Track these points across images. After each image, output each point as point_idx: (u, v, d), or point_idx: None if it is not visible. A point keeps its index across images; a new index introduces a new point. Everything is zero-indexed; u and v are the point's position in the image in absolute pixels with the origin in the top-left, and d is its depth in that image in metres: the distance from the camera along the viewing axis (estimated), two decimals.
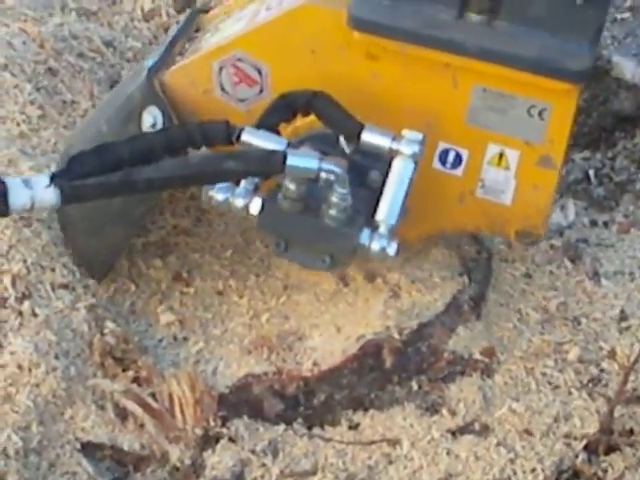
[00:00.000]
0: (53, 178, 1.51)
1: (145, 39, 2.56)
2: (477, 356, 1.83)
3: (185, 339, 1.87)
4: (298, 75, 1.72)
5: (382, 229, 1.57)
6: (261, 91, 1.74)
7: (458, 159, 1.74)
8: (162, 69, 1.78)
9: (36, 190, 1.50)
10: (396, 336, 1.78)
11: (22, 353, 1.69)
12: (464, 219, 1.82)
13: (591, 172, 2.42)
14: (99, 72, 2.38)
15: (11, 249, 1.81)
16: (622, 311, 1.98)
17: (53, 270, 1.83)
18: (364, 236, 1.57)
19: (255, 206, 1.61)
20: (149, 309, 1.94)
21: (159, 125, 1.72)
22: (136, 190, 1.59)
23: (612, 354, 1.86)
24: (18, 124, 2.10)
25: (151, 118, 1.73)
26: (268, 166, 1.54)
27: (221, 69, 1.74)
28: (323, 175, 1.48)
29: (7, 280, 1.77)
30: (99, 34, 2.46)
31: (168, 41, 1.90)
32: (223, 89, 1.76)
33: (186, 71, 1.78)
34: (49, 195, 1.51)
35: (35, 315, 1.74)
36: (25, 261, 1.80)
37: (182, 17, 2.17)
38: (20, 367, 1.68)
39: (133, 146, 1.57)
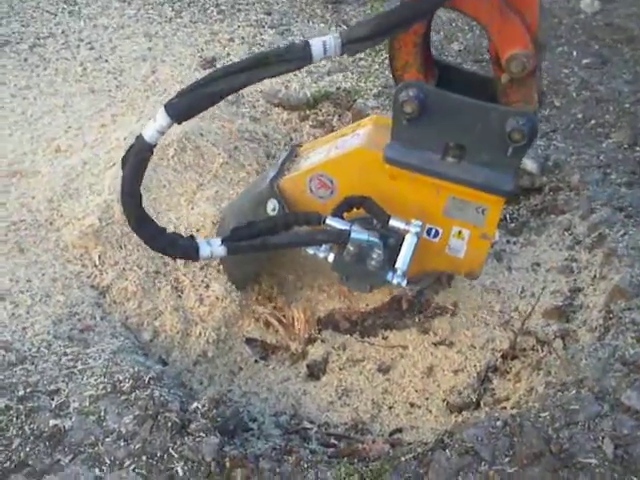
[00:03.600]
0: (223, 241, 2.50)
1: (283, 133, 3.99)
2: (449, 305, 3.34)
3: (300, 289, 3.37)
4: (353, 185, 2.76)
5: (399, 272, 2.64)
6: (332, 193, 2.84)
7: (436, 233, 2.79)
8: (278, 178, 2.89)
9: (214, 247, 2.50)
10: (409, 293, 3.31)
11: (218, 291, 3.18)
12: (438, 264, 2.90)
13: (507, 216, 3.86)
14: (259, 150, 3.80)
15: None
16: (522, 288, 3.43)
17: None
18: (389, 276, 2.66)
19: (331, 257, 2.73)
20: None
21: (277, 210, 2.83)
22: (268, 249, 2.68)
23: (516, 309, 3.32)
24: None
25: (272, 205, 2.85)
26: (341, 238, 2.61)
27: (311, 180, 2.84)
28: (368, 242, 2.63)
29: None
30: (261, 129, 3.90)
31: (280, 162, 2.99)
32: (311, 190, 2.85)
33: (292, 180, 2.88)
34: (221, 250, 2.50)
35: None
36: None
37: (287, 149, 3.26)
38: (217, 298, 3.18)
39: (267, 224, 2.61)
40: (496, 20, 2.41)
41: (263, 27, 4.91)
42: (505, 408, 2.92)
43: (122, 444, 2.43)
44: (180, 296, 3.16)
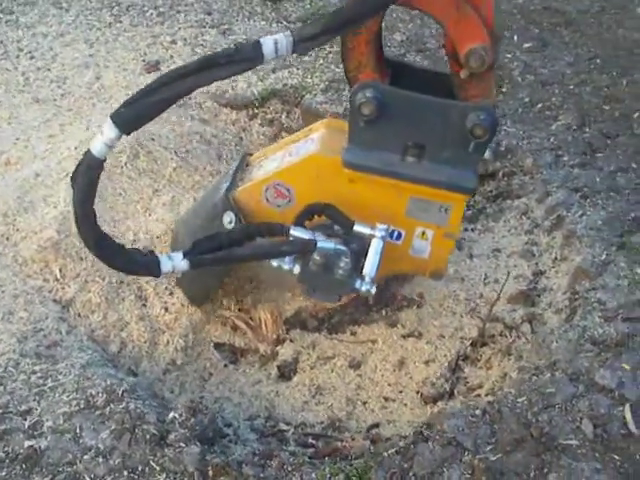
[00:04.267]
0: (185, 255, 2.41)
1: (233, 133, 3.98)
2: (415, 297, 3.35)
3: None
4: (311, 192, 2.69)
5: (367, 278, 2.57)
6: (289, 201, 2.77)
7: (399, 235, 2.74)
8: (232, 189, 2.79)
9: (175, 261, 2.40)
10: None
11: (183, 298, 3.15)
12: (402, 266, 2.90)
13: None
14: (211, 152, 3.80)
15: None
16: (485, 274, 3.45)
17: None
18: (358, 283, 2.60)
19: (297, 268, 2.65)
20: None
21: (233, 222, 2.73)
22: (233, 261, 2.69)
23: (481, 296, 3.33)
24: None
25: (228, 218, 2.75)
26: (307, 248, 2.56)
27: (267, 189, 2.76)
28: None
29: None
30: (210, 131, 3.87)
31: (232, 172, 2.89)
32: (267, 200, 2.78)
33: (247, 191, 2.80)
34: (183, 264, 2.40)
35: None
36: None
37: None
38: (182, 305, 3.15)
39: (228, 236, 2.52)
40: (452, 15, 2.38)
41: (204, 27, 4.86)
42: (479, 396, 2.94)
43: (101, 460, 2.38)
44: (145, 305, 3.12)
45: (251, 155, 3.09)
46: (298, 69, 4.43)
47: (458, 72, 2.49)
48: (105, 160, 2.22)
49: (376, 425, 2.93)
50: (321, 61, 4.53)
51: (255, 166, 2.95)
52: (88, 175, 2.21)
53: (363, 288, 2.62)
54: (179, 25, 4.89)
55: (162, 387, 2.99)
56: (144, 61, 4.46)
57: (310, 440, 2.82)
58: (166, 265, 2.41)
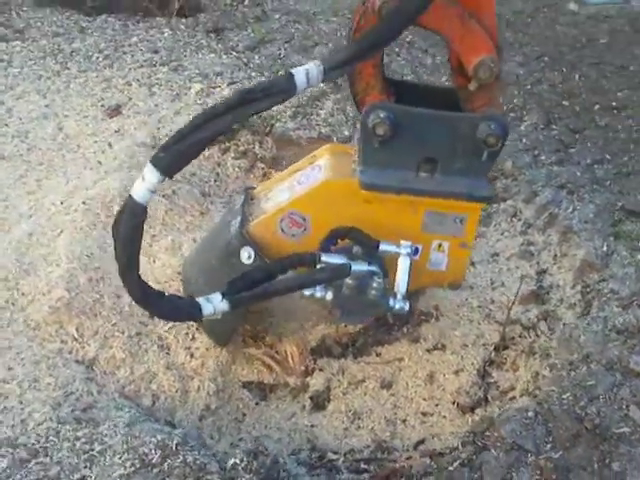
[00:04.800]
0: (223, 295, 2.39)
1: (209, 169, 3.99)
2: (430, 310, 3.37)
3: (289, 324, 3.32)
4: (326, 218, 2.69)
5: (399, 296, 2.59)
6: (305, 230, 2.75)
7: (416, 250, 2.73)
8: (245, 224, 2.77)
9: (215, 303, 2.38)
10: None
11: (206, 341, 3.09)
12: (421, 281, 2.85)
13: None
14: (194, 191, 3.77)
15: None
16: (490, 279, 3.52)
17: None
18: (392, 302, 2.60)
19: (329, 295, 2.64)
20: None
21: (252, 257, 2.71)
22: (271, 296, 2.56)
23: (492, 301, 3.40)
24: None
25: (247, 253, 2.72)
26: (342, 273, 2.54)
27: (282, 220, 2.73)
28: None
29: None
30: (187, 169, 3.67)
31: (240, 207, 2.87)
32: (283, 231, 2.75)
33: (262, 224, 2.77)
34: (223, 305, 2.39)
35: None
36: None
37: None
38: (206, 349, 3.10)
39: (262, 272, 2.54)
40: (458, 30, 2.43)
41: (155, 66, 4.79)
42: (514, 398, 2.98)
43: None
44: (169, 353, 3.04)
45: (254, 189, 3.07)
46: None
47: (463, 85, 2.54)
48: (147, 206, 2.18)
49: (422, 441, 2.94)
50: None
51: (262, 199, 2.94)
52: (132, 223, 2.17)
53: (397, 306, 2.63)
54: (128, 66, 4.80)
55: (201, 434, 2.92)
56: (103, 106, 4.36)
57: (362, 465, 2.80)
58: (207, 308, 2.39)
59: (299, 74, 2.14)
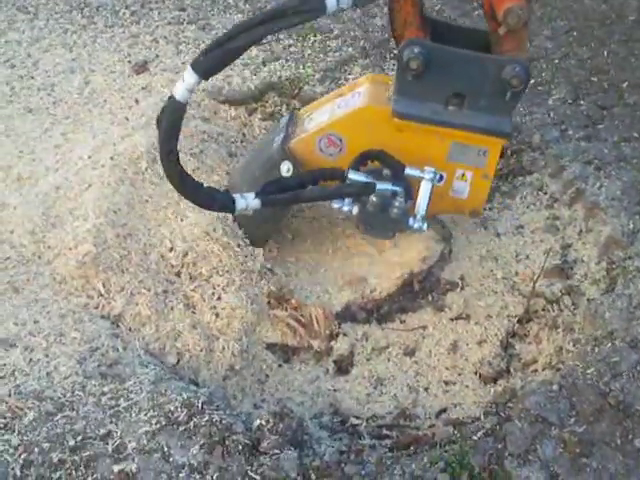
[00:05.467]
0: (257, 195, 2.71)
1: (236, 130, 3.96)
2: (456, 279, 3.38)
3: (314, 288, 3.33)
4: (361, 141, 2.93)
5: (418, 217, 2.84)
6: (340, 150, 3.01)
7: (441, 177, 2.97)
8: (286, 141, 3.04)
9: (248, 200, 2.70)
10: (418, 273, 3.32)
11: (232, 302, 3.09)
12: (444, 206, 3.10)
13: None
14: (221, 150, 3.72)
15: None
16: (515, 252, 3.51)
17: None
18: (411, 221, 2.87)
19: (355, 209, 2.90)
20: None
21: (291, 171, 2.99)
22: (300, 202, 3.02)
23: (516, 273, 3.39)
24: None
25: (285, 167, 3.00)
26: (367, 190, 2.82)
27: (320, 139, 3.00)
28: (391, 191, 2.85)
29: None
30: (215, 129, 3.84)
31: (284, 125, 3.15)
32: (321, 150, 3.02)
33: (302, 141, 3.03)
34: (256, 203, 2.71)
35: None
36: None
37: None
38: (232, 309, 3.09)
39: (295, 180, 2.87)
40: None
41: (182, 24, 4.75)
42: (536, 371, 2.99)
43: (198, 477, 2.34)
44: (194, 312, 3.05)
45: (299, 110, 3.35)
46: (288, 60, 4.38)
47: (495, 29, 2.72)
48: (187, 103, 2.47)
49: (444, 410, 2.96)
50: (309, 51, 4.49)
51: (305, 120, 3.16)
52: (173, 117, 2.46)
53: (415, 225, 2.88)
54: (156, 23, 4.76)
55: (226, 394, 2.93)
56: (130, 62, 4.33)
57: (384, 431, 2.82)
58: (240, 203, 2.69)
59: None
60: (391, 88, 2.94)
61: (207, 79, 2.43)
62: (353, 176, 2.84)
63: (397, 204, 2.87)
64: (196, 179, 2.74)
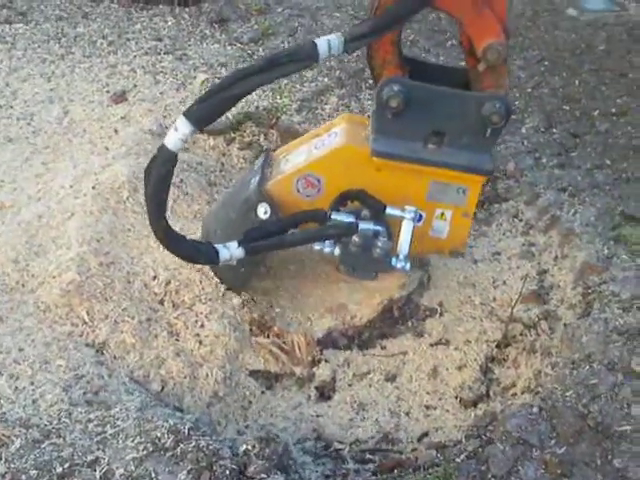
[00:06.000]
0: (239, 243, 2.69)
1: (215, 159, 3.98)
2: (435, 306, 3.43)
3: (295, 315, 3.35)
4: (339, 181, 2.89)
5: (401, 257, 2.80)
6: (318, 191, 2.94)
7: (420, 217, 2.89)
8: (263, 183, 2.96)
9: (231, 250, 2.68)
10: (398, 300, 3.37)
11: (215, 329, 3.12)
12: (423, 247, 3.02)
13: None
14: (201, 180, 3.78)
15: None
16: (492, 278, 3.57)
17: None
18: (394, 261, 2.83)
19: (337, 250, 2.91)
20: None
21: (268, 213, 2.92)
22: (284, 247, 2.88)
23: (494, 299, 3.45)
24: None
25: (263, 209, 2.92)
26: (350, 230, 2.81)
27: (298, 180, 2.93)
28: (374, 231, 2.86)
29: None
30: (194, 158, 3.88)
31: (260, 167, 3.07)
32: (298, 191, 2.95)
33: (279, 183, 2.97)
34: (239, 252, 2.68)
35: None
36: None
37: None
38: (215, 336, 3.11)
39: (277, 225, 2.84)
40: (469, 14, 2.62)
41: (159, 54, 4.81)
42: (515, 394, 3.04)
43: None
44: (178, 340, 3.07)
45: (274, 151, 3.27)
46: (265, 90, 4.44)
47: (473, 65, 2.75)
48: (177, 154, 2.41)
49: (426, 434, 2.99)
50: (285, 81, 4.55)
51: (281, 161, 3.11)
52: (164, 168, 2.40)
53: (398, 265, 2.83)
54: (133, 53, 4.81)
55: (212, 420, 2.94)
56: (108, 92, 4.37)
57: (367, 455, 2.85)
58: (224, 253, 2.64)
59: (322, 44, 2.38)
60: (368, 128, 2.93)
61: (201, 129, 2.42)
62: (336, 217, 2.83)
63: (380, 244, 2.86)
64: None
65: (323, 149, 2.95)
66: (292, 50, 2.40)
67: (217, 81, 2.41)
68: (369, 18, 2.54)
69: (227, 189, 3.52)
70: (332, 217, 2.83)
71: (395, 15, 2.43)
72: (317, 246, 2.90)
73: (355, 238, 2.85)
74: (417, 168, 2.84)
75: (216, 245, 2.65)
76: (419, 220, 2.92)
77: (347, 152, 2.90)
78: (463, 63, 2.89)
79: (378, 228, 2.86)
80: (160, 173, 2.39)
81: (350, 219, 2.83)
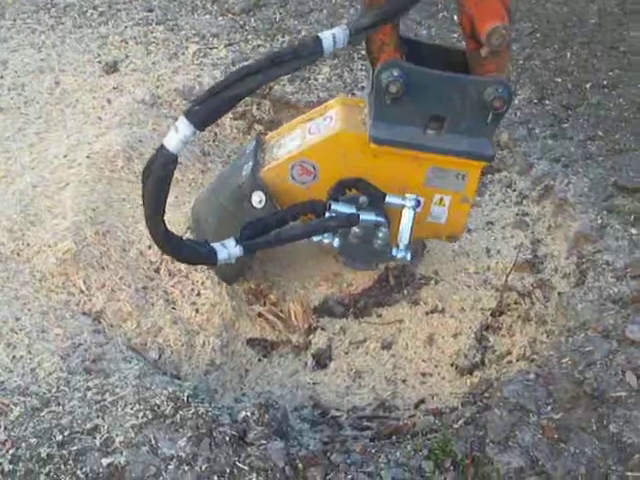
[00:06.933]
0: (237, 241, 2.55)
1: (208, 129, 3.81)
2: (430, 274, 3.45)
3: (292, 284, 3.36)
4: (336, 168, 2.81)
5: (402, 246, 2.75)
6: (314, 178, 2.86)
7: (419, 203, 2.78)
8: (257, 169, 2.87)
9: (230, 248, 2.54)
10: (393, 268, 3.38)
11: (211, 297, 3.13)
12: (421, 232, 2.97)
13: None
14: (195, 149, 3.75)
15: None
16: (486, 247, 3.59)
17: None
18: (395, 251, 2.79)
19: (337, 242, 2.85)
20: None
21: (264, 202, 2.82)
22: (284, 242, 2.71)
23: (488, 268, 3.47)
24: None
25: (258, 197, 2.83)
26: (351, 221, 2.70)
27: (293, 167, 2.83)
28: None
29: None
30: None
31: (252, 152, 2.97)
32: (293, 178, 2.86)
33: (273, 170, 2.88)
34: (238, 250, 2.55)
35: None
36: None
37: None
38: (212, 305, 3.12)
39: (275, 218, 2.69)
40: None
41: (150, 24, 4.77)
42: (510, 362, 3.07)
43: (187, 468, 2.34)
44: (174, 308, 3.07)
45: (265, 135, 3.16)
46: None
47: (474, 49, 2.62)
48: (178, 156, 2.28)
49: (422, 401, 3.01)
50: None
51: (274, 146, 3.01)
52: (164, 171, 2.27)
53: (399, 255, 2.79)
54: (124, 24, 4.78)
55: (210, 388, 2.96)
56: (100, 62, 4.34)
57: (365, 422, 2.87)
58: (222, 253, 2.53)
59: (326, 38, 2.23)
60: (364, 111, 2.86)
61: (203, 130, 2.26)
62: (336, 207, 2.75)
63: (380, 235, 2.82)
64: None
65: (318, 134, 2.86)
66: (296, 46, 2.26)
67: (219, 80, 2.27)
68: (373, 8, 2.38)
69: (217, 175, 3.39)
70: (332, 207, 2.74)
71: (401, 4, 2.29)
72: (316, 238, 2.82)
73: (355, 229, 2.81)
74: (416, 154, 2.76)
75: (214, 244, 2.54)
76: (417, 206, 2.84)
77: (343, 138, 2.80)
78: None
79: (380, 219, 2.80)
80: (159, 176, 2.26)
81: (351, 210, 2.74)
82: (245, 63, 2.33)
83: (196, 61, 4.41)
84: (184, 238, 2.61)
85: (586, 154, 3.80)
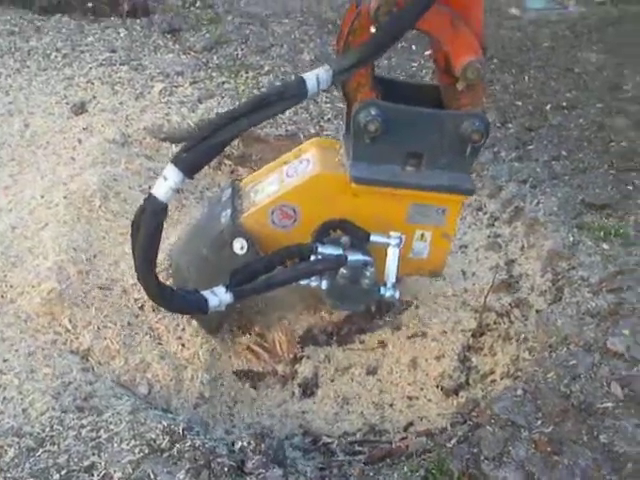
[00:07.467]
0: (227, 288, 2.53)
1: None
2: (409, 299, 3.49)
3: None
4: (316, 210, 2.81)
5: (389, 285, 2.77)
6: (295, 221, 2.85)
7: (400, 240, 2.78)
8: (236, 216, 2.84)
9: (220, 296, 2.52)
10: None
11: (198, 332, 3.13)
12: (404, 268, 2.91)
13: None
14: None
15: None
16: (462, 270, 3.65)
17: None
18: (382, 290, 2.79)
19: (324, 284, 2.84)
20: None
21: (245, 248, 2.80)
22: (273, 287, 2.66)
23: (465, 290, 3.51)
24: None
25: (239, 244, 2.81)
26: (339, 262, 2.73)
27: (272, 212, 2.82)
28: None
29: None
30: (159, 166, 3.89)
31: (229, 198, 2.95)
32: (274, 222, 2.84)
33: (253, 216, 2.85)
34: (228, 298, 2.53)
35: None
36: None
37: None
38: (198, 338, 3.12)
39: (263, 263, 2.67)
40: (448, 33, 2.55)
41: (114, 65, 4.80)
42: (494, 381, 3.11)
43: None
44: (161, 344, 3.07)
45: (240, 181, 3.14)
46: (223, 97, 4.47)
47: (448, 83, 2.70)
48: (168, 205, 2.26)
49: (411, 423, 3.04)
50: (242, 87, 4.59)
51: (251, 191, 3.01)
52: (155, 221, 2.25)
53: (387, 294, 2.79)
54: (88, 65, 4.80)
55: (204, 420, 2.96)
56: (67, 103, 4.34)
57: (356, 447, 2.89)
58: (213, 301, 2.50)
59: (310, 79, 2.27)
60: (340, 152, 2.87)
61: (192, 177, 2.24)
62: (323, 250, 2.74)
63: (368, 274, 2.80)
64: None
65: (296, 177, 2.86)
66: (280, 88, 2.28)
67: (204, 124, 2.24)
68: (352, 49, 2.46)
69: (192, 224, 3.35)
70: (319, 250, 2.74)
71: (379, 44, 2.31)
72: (303, 281, 2.80)
73: (343, 270, 2.79)
74: (396, 192, 2.78)
75: (204, 292, 2.51)
76: (400, 243, 2.84)
77: (323, 180, 2.80)
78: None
79: (367, 258, 2.79)
80: (150, 227, 2.24)
81: (338, 251, 2.75)
82: (230, 108, 2.30)
83: (163, 99, 4.44)
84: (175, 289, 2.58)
85: (552, 174, 3.91)
